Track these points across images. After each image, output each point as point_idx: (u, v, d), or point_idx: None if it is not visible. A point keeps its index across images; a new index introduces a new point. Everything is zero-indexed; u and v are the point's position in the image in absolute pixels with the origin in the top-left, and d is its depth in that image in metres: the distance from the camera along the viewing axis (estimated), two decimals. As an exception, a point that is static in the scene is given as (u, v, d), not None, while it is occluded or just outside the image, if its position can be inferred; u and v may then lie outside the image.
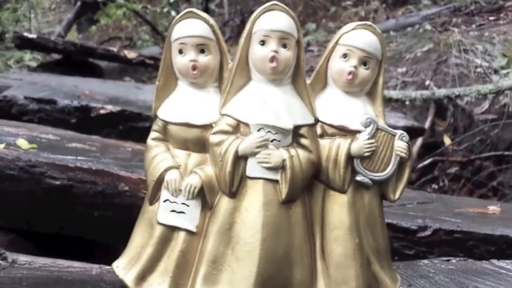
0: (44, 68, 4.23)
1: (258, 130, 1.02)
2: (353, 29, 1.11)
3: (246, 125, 1.03)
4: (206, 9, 6.63)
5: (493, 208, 1.98)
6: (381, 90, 1.12)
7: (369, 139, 1.07)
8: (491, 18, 4.87)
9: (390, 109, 3.75)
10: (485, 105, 3.79)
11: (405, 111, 3.85)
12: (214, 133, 1.04)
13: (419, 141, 3.70)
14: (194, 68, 1.06)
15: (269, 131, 1.02)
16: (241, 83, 1.06)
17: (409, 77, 4.14)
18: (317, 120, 1.07)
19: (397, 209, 1.80)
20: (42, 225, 1.73)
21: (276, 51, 1.03)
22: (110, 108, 2.61)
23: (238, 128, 1.03)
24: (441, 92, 3.51)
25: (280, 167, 1.02)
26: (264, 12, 1.06)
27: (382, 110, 1.11)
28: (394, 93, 3.56)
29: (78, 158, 1.74)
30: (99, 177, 1.64)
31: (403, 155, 1.09)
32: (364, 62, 1.09)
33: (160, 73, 1.10)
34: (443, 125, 3.89)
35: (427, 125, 3.76)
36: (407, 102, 3.69)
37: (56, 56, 4.48)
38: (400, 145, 1.09)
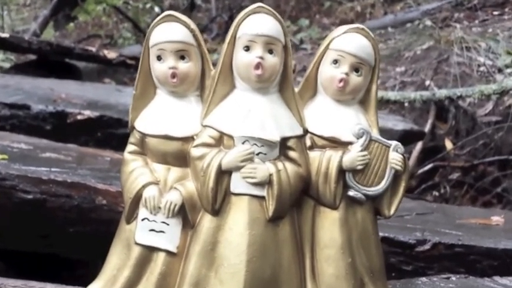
0: (17, 69, 4.21)
1: (243, 143, 1.02)
2: (344, 33, 1.11)
3: (230, 137, 1.03)
4: (192, 5, 6.63)
5: (497, 219, 1.97)
6: (374, 98, 1.12)
7: (361, 151, 1.07)
8: (496, 13, 4.89)
9: (388, 111, 3.75)
10: (489, 106, 3.80)
11: (404, 114, 3.86)
12: (195, 146, 1.04)
13: (419, 145, 3.70)
14: (174, 75, 1.06)
15: (254, 144, 1.02)
16: (225, 91, 1.06)
17: (408, 77, 4.15)
18: (306, 131, 1.07)
19: (394, 221, 1.79)
20: (14, 243, 1.71)
21: (261, 58, 1.03)
22: (87, 113, 2.59)
23: (221, 140, 1.03)
24: (442, 93, 3.52)
25: (267, 182, 1.02)
26: (248, 15, 1.06)
27: (376, 119, 1.11)
28: (392, 94, 3.57)
29: (52, 169, 1.72)
30: (75, 190, 1.62)
31: (398, 167, 1.09)
32: (356, 69, 1.09)
33: (137, 81, 1.10)
34: (444, 128, 3.90)
35: (427, 128, 3.76)
36: (406, 104, 3.69)
37: (30, 57, 4.46)
38: (395, 157, 1.09)
